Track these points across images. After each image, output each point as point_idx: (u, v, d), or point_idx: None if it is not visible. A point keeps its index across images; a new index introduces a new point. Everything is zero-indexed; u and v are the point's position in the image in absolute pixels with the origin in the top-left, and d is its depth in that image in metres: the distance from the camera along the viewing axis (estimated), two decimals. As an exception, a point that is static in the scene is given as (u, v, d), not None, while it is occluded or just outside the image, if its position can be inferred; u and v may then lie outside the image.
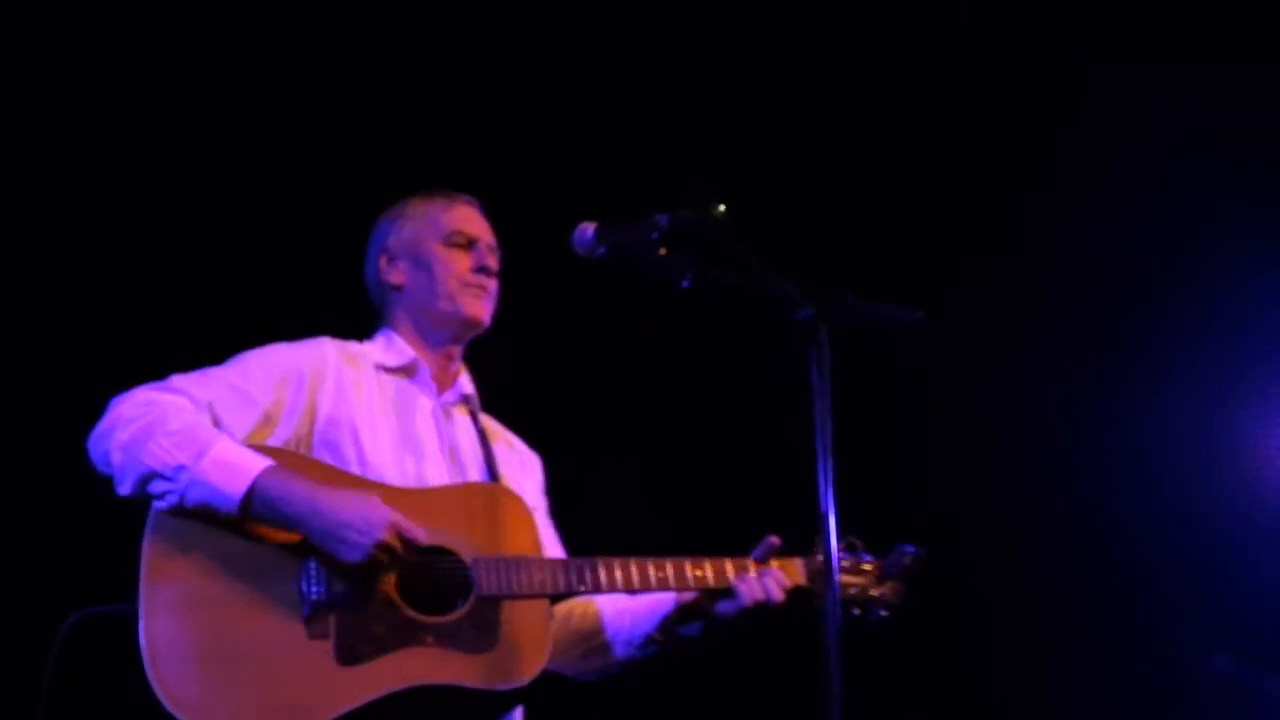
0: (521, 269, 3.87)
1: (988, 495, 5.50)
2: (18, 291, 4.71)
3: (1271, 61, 5.70)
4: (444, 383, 3.71)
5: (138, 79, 4.88)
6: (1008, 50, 5.83)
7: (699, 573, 3.57)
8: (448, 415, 3.68)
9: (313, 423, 3.45)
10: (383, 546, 3.17)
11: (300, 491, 3.18)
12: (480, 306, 3.67)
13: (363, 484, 3.36)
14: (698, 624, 3.66)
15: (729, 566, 3.61)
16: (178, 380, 3.35)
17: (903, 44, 5.87)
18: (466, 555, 3.34)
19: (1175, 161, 5.76)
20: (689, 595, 3.61)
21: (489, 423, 3.79)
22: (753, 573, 3.62)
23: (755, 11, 5.79)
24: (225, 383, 3.39)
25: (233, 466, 3.17)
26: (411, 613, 3.24)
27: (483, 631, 3.29)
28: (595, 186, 3.79)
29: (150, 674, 3.04)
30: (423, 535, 3.23)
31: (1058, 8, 5.76)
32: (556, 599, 3.55)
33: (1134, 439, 5.84)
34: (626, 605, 3.71)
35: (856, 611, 3.78)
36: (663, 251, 3.20)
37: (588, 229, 3.29)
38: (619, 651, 3.73)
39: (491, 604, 3.32)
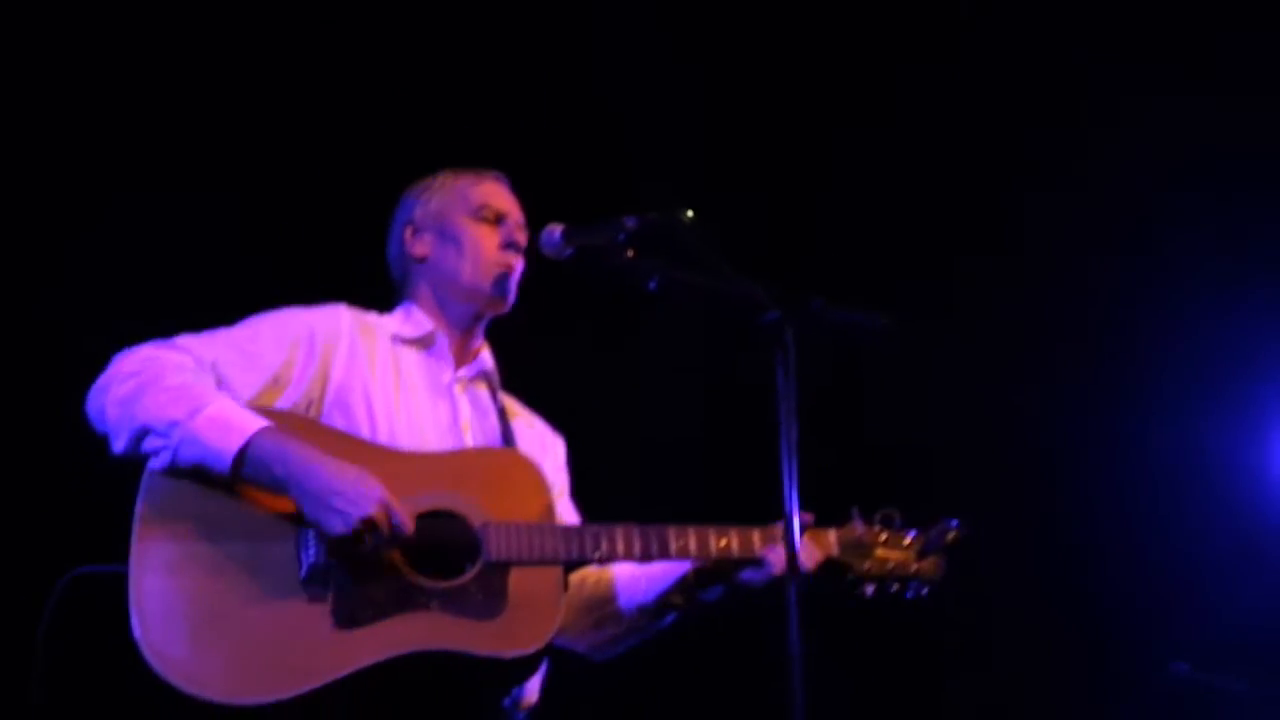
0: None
1: (973, 497, 5.36)
2: (24, 248, 4.72)
3: (1268, 69, 5.64)
4: (463, 357, 3.63)
5: (166, 48, 4.93)
6: (1005, 50, 5.80)
7: (723, 542, 3.45)
8: (465, 389, 3.61)
9: (325, 387, 3.38)
10: (369, 522, 3.05)
11: (295, 454, 3.10)
12: (506, 284, 3.59)
13: (371, 448, 3.29)
14: (717, 589, 3.56)
15: (756, 536, 3.50)
16: (183, 339, 3.29)
17: (900, 43, 5.87)
18: (475, 519, 3.24)
19: (1173, 166, 5.72)
20: (705, 560, 3.50)
21: (509, 401, 3.71)
22: (781, 543, 3.49)
23: (749, 7, 5.78)
24: (233, 343, 3.33)
25: (227, 424, 3.09)
26: (415, 577, 3.15)
27: (490, 597, 3.19)
28: (575, 185, 3.75)
29: (138, 634, 2.98)
30: (410, 527, 3.11)
31: (1057, 7, 5.74)
32: (570, 568, 3.45)
33: (1110, 455, 5.89)
34: (641, 571, 3.61)
35: (895, 587, 3.67)
36: (630, 253, 3.22)
37: (555, 230, 3.33)
38: (633, 618, 3.64)
39: (500, 570, 3.22)
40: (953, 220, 5.89)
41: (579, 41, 5.53)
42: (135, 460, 3.13)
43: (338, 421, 3.35)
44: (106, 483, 3.16)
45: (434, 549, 3.19)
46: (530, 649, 3.19)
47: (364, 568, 3.10)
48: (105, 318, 4.19)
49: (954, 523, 3.68)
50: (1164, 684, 5.45)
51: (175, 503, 3.09)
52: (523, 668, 3.26)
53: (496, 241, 3.60)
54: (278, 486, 3.09)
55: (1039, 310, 5.96)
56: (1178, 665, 5.42)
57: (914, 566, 3.67)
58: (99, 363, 3.20)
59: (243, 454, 3.07)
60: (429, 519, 3.20)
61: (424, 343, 3.59)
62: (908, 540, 3.68)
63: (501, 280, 3.58)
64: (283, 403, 3.31)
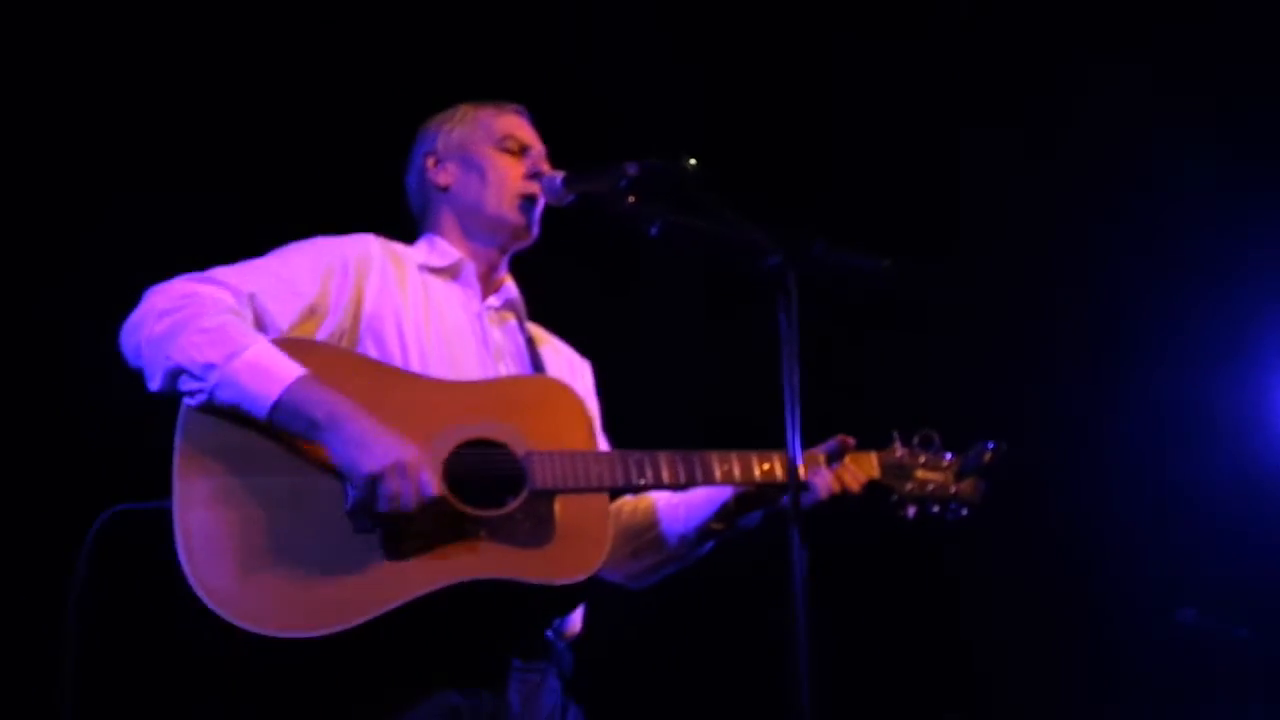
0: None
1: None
2: (56, 193, 4.66)
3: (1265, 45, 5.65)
4: (490, 286, 3.58)
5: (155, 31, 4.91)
6: (1000, 26, 5.79)
7: (765, 466, 3.40)
8: (493, 318, 3.55)
9: (358, 314, 3.31)
10: (400, 469, 2.95)
11: (339, 402, 3.01)
12: (531, 213, 3.54)
13: (409, 378, 3.22)
14: (757, 514, 3.53)
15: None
16: (219, 271, 3.19)
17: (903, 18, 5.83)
18: (518, 448, 3.18)
19: (1176, 120, 5.74)
20: (747, 486, 3.46)
21: (536, 329, 3.66)
22: (824, 466, 3.45)
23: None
24: (270, 273, 3.25)
25: (265, 371, 3.01)
26: (462, 506, 3.08)
27: (538, 525, 3.13)
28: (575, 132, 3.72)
29: (185, 567, 2.90)
30: (436, 488, 3.01)
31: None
32: (614, 495, 3.40)
33: (1115, 409, 5.93)
34: (681, 498, 3.57)
35: (935, 509, 3.64)
36: (631, 199, 3.21)
37: (556, 177, 3.39)
38: (674, 546, 3.59)
39: (546, 498, 3.16)
40: (954, 173, 5.90)
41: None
42: (171, 398, 3.05)
43: (370, 350, 3.28)
44: (142, 419, 3.09)
45: (477, 479, 3.12)
46: (580, 576, 3.12)
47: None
48: (145, 252, 4.12)
49: (991, 444, 3.64)
50: (1170, 630, 5.52)
51: (216, 438, 3.01)
52: (572, 595, 3.21)
53: (520, 171, 3.55)
54: (313, 431, 3.00)
55: (1042, 263, 5.98)
56: (1184, 612, 5.49)
57: (953, 488, 3.64)
58: (135, 299, 3.13)
59: (279, 401, 2.99)
60: (471, 448, 3.13)
61: (451, 272, 3.53)
62: (946, 462, 3.65)
63: (526, 208, 3.53)
64: (321, 332, 3.24)
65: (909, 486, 3.60)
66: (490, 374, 3.42)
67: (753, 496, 3.50)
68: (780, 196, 5.28)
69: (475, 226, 3.57)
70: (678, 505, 3.58)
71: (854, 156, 5.82)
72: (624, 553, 3.58)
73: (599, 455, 3.29)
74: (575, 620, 3.42)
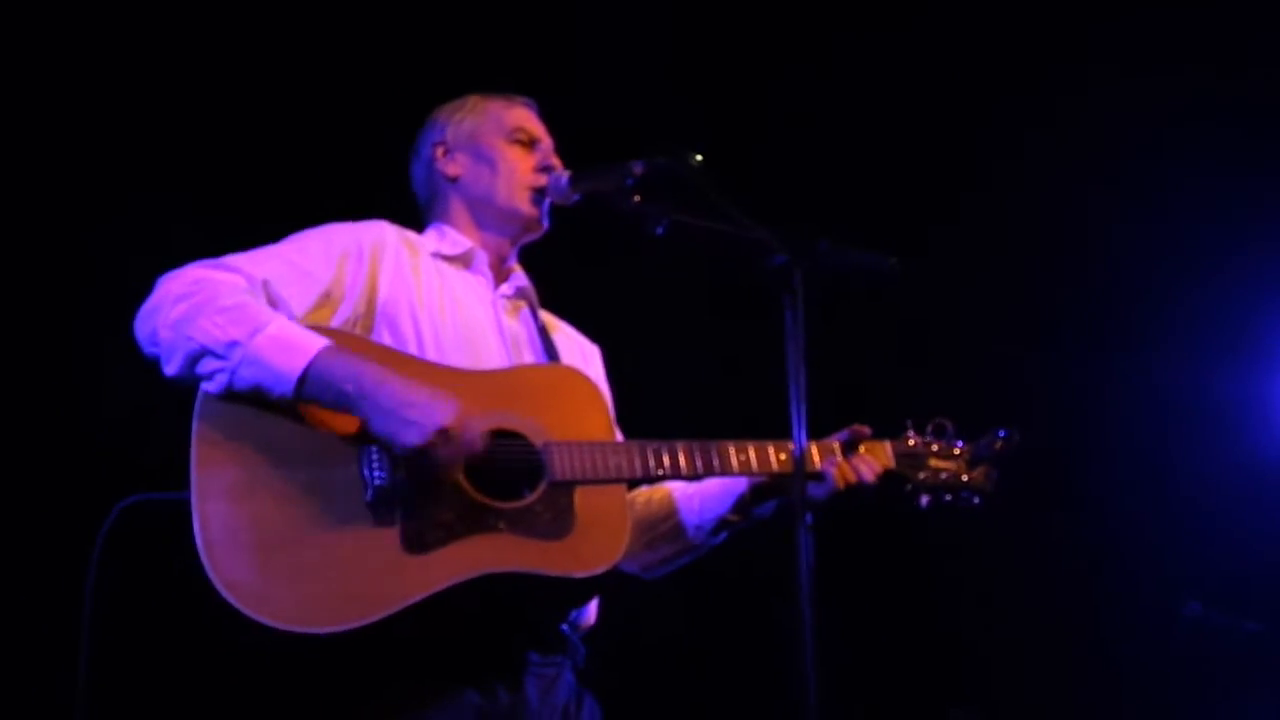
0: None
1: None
2: (67, 181, 4.60)
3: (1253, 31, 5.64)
4: (500, 276, 3.56)
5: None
6: (1003, 16, 5.76)
7: (782, 456, 3.39)
8: (507, 306, 3.53)
9: (373, 301, 3.27)
10: (443, 433, 2.95)
11: (364, 370, 2.98)
12: (542, 204, 3.53)
13: (425, 366, 3.18)
14: (772, 503, 3.52)
15: (815, 449, 3.44)
16: (232, 258, 3.15)
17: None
18: (537, 439, 3.15)
19: (1180, 107, 5.71)
20: (762, 476, 3.46)
21: (547, 316, 3.64)
22: (839, 456, 3.44)
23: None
24: (283, 259, 3.21)
25: (290, 343, 2.97)
26: (481, 498, 3.04)
27: (558, 517, 3.10)
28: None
29: (205, 560, 2.84)
30: (482, 439, 3.02)
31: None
32: (632, 485, 3.38)
33: (1117, 398, 5.92)
34: (695, 489, 3.55)
35: (948, 498, 3.63)
36: (637, 198, 3.21)
37: (562, 176, 3.41)
38: (691, 536, 3.57)
39: (565, 489, 3.13)
40: (958, 163, 5.87)
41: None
42: (187, 384, 3.00)
43: (385, 336, 3.24)
44: (158, 409, 3.05)
45: (496, 470, 3.08)
46: (601, 568, 3.09)
47: (430, 489, 3.00)
48: (154, 244, 4.08)
49: (1003, 432, 3.63)
50: (1177, 624, 5.51)
51: (233, 428, 2.96)
52: (591, 588, 3.18)
53: (531, 164, 3.54)
54: (344, 405, 2.96)
55: (1047, 254, 5.97)
56: (1190, 605, 5.48)
57: (965, 476, 3.63)
58: (145, 289, 3.08)
59: (306, 374, 2.94)
60: (489, 439, 3.10)
61: (464, 260, 3.50)
62: (958, 450, 3.64)
63: (538, 200, 3.51)
64: (336, 319, 3.20)
65: (922, 475, 3.59)
66: (509, 362, 3.39)
67: (768, 487, 3.49)
68: (785, 192, 5.31)
69: (487, 217, 3.55)
70: (693, 496, 3.56)
71: (855, 151, 5.80)
72: (640, 543, 3.55)
73: (617, 446, 3.26)
74: (590, 613, 3.39)
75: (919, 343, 5.88)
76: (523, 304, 3.58)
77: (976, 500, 3.64)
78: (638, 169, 3.22)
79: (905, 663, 5.80)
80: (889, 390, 5.37)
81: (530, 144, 3.56)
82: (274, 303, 3.12)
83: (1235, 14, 5.60)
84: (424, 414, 2.94)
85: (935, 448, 3.63)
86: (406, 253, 3.38)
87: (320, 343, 2.99)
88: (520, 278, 3.59)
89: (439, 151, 3.60)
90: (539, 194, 3.51)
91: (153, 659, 4.12)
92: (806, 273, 2.97)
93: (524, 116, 3.61)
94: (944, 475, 3.61)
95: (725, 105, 5.67)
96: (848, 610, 4.03)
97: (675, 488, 3.60)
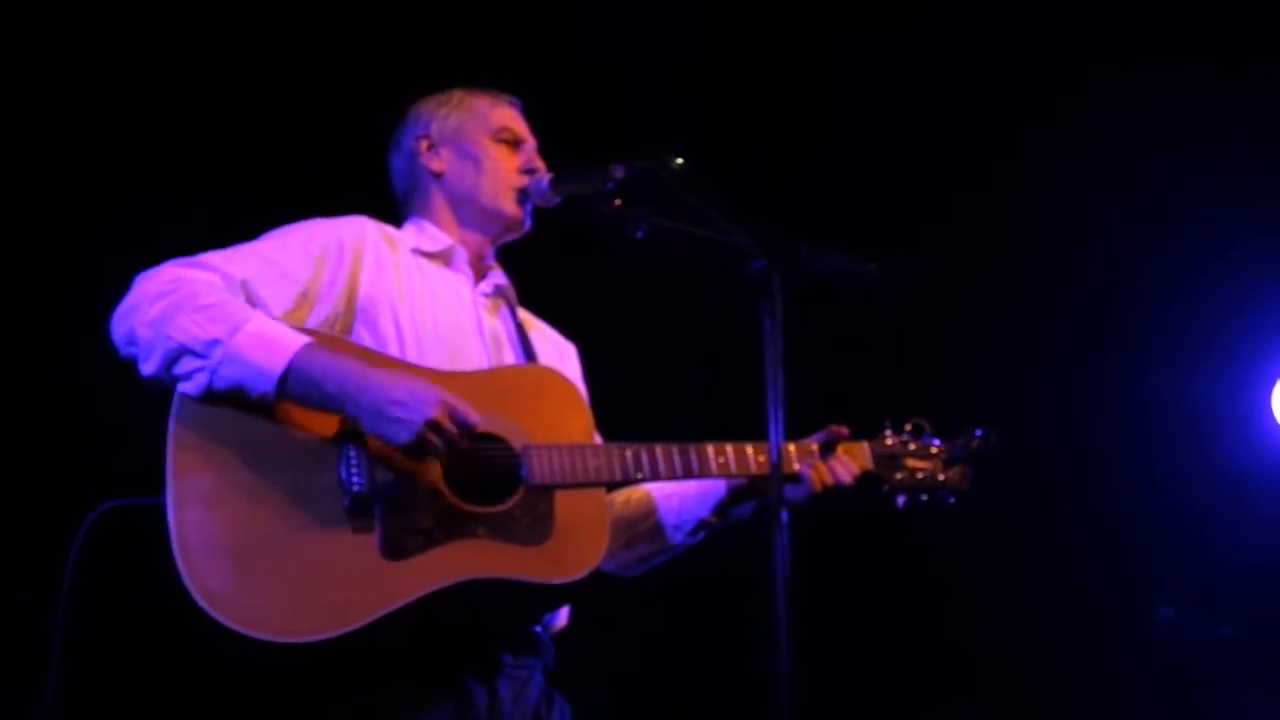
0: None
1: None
2: (46, 179, 4.56)
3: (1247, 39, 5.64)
4: (479, 273, 3.53)
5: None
6: (994, 19, 5.73)
7: (761, 458, 3.38)
8: (486, 304, 3.50)
9: (353, 299, 3.23)
10: (434, 426, 2.93)
11: (347, 367, 2.96)
12: (526, 208, 3.50)
13: (405, 366, 3.14)
14: (750, 505, 3.51)
15: (793, 450, 3.43)
16: (209, 256, 3.11)
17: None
18: (516, 442, 3.13)
19: (1169, 120, 5.70)
20: (741, 479, 3.45)
21: (524, 314, 3.61)
22: (817, 458, 3.44)
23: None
24: (262, 257, 3.17)
25: (271, 341, 2.94)
26: (460, 503, 3.03)
27: (536, 522, 3.08)
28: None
29: (182, 569, 2.82)
30: (477, 418, 3.00)
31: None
32: (612, 487, 3.37)
33: (1093, 401, 5.91)
34: (674, 489, 3.54)
35: (924, 498, 3.64)
36: (617, 202, 3.20)
37: (543, 178, 3.40)
38: (669, 537, 3.56)
39: (545, 493, 3.11)
40: (948, 168, 5.85)
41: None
42: (164, 384, 2.96)
43: (365, 339, 3.21)
44: (134, 412, 3.02)
45: (475, 473, 3.06)
46: (580, 574, 3.08)
47: (409, 494, 2.98)
48: (134, 235, 4.04)
49: (979, 432, 3.64)
50: (1150, 628, 5.54)
51: (210, 431, 2.93)
52: (570, 592, 3.16)
53: (516, 164, 3.51)
54: (328, 403, 2.94)
55: (1035, 260, 5.96)
56: (1164, 610, 5.51)
57: (942, 475, 3.63)
58: (122, 288, 3.04)
59: (288, 372, 2.92)
60: (471, 442, 3.06)
61: (444, 257, 3.47)
62: (935, 449, 3.64)
63: (522, 201, 3.49)
64: (313, 318, 3.16)
65: (899, 476, 3.60)
66: (490, 361, 3.37)
67: (747, 489, 3.48)
68: (771, 193, 5.30)
69: (469, 215, 3.51)
70: (672, 496, 3.55)
71: (840, 152, 5.77)
72: (618, 543, 3.53)
73: (596, 448, 3.24)
74: (562, 614, 3.38)
75: (900, 344, 5.89)
76: (501, 302, 3.55)
77: (952, 500, 3.65)
78: (618, 173, 3.20)
79: (882, 664, 5.80)
80: (870, 391, 5.37)
81: (515, 144, 3.53)
82: (252, 302, 3.09)
83: (1229, 24, 5.59)
84: (410, 410, 2.93)
85: (912, 448, 3.63)
86: (387, 249, 3.34)
87: (301, 340, 2.97)
88: (499, 276, 3.56)
89: (423, 145, 3.56)
90: (523, 194, 3.49)
91: (127, 667, 4.08)
92: (786, 277, 2.96)
93: (509, 116, 3.58)
94: (920, 475, 3.62)
95: (725, 105, 5.65)
96: (824, 610, 4.02)
97: (654, 487, 3.58)
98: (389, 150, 3.65)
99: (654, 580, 3.69)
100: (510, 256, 3.63)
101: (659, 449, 3.29)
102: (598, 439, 3.43)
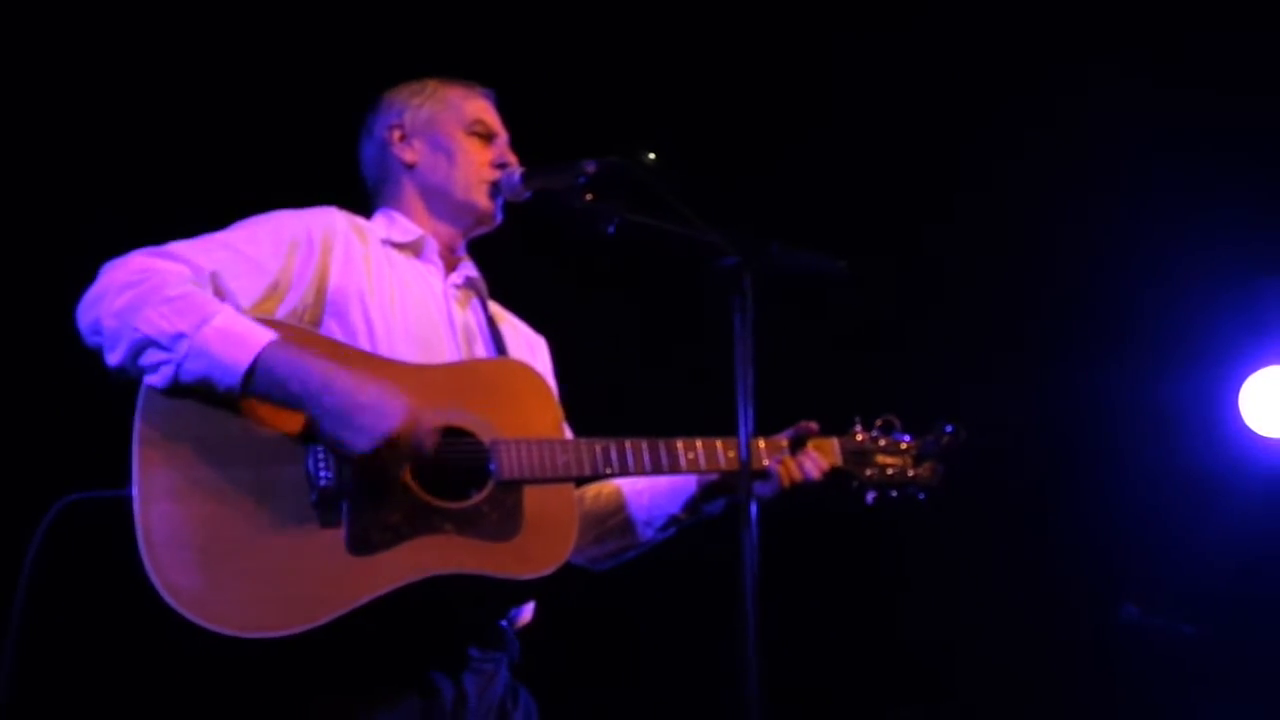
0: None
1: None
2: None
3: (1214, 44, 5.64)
4: (449, 264, 3.51)
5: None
6: (969, 28, 5.73)
7: (731, 454, 3.36)
8: (457, 295, 3.47)
9: (322, 290, 3.20)
10: (392, 440, 2.90)
11: (313, 367, 2.92)
12: (498, 201, 3.49)
13: (374, 361, 3.12)
14: (721, 501, 3.51)
15: (763, 446, 3.42)
16: (177, 246, 3.08)
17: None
18: (485, 436, 3.10)
19: (1140, 131, 5.71)
20: (711, 474, 3.45)
21: (494, 306, 3.59)
22: (786, 454, 3.43)
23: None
24: (231, 248, 3.13)
25: (237, 337, 2.91)
26: (428, 498, 3.00)
27: (504, 517, 3.06)
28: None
29: (148, 565, 2.79)
30: (435, 440, 2.98)
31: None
32: (580, 483, 3.35)
33: (1060, 400, 5.94)
34: (645, 485, 3.53)
35: (894, 493, 3.63)
36: (589, 197, 3.21)
37: (514, 173, 3.39)
38: (639, 533, 3.56)
39: (513, 488, 3.09)
40: (921, 175, 5.87)
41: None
42: (129, 376, 2.93)
43: (335, 331, 3.18)
44: (98, 404, 2.98)
45: (444, 468, 3.04)
46: (548, 570, 3.06)
47: (377, 489, 2.95)
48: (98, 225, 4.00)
49: (949, 428, 3.64)
50: (1114, 626, 5.57)
51: (177, 424, 2.89)
52: (537, 588, 3.13)
53: (488, 158, 3.49)
54: (291, 402, 2.91)
55: (1002, 261, 5.98)
56: (1128, 608, 5.53)
57: (911, 471, 3.63)
58: (88, 278, 3.00)
59: (254, 368, 2.89)
60: (439, 437, 3.05)
61: (414, 248, 3.44)
62: (904, 445, 3.64)
63: (494, 194, 3.47)
64: (282, 309, 3.13)
65: (869, 472, 3.59)
66: (460, 353, 3.35)
67: (718, 485, 3.48)
68: (749, 193, 5.28)
69: (440, 207, 3.49)
70: (643, 491, 3.54)
71: (811, 154, 5.76)
72: (588, 537, 3.52)
73: (565, 444, 3.22)
74: (528, 610, 3.37)
75: (869, 342, 5.90)
76: (472, 294, 3.53)
77: (922, 496, 3.65)
78: (590, 167, 3.20)
79: (850, 660, 5.82)
80: (840, 388, 5.36)
81: (488, 137, 3.51)
82: (221, 294, 3.05)
83: (1201, 29, 5.60)
84: (372, 419, 2.90)
85: (882, 444, 3.62)
86: (356, 240, 3.32)
87: (268, 336, 2.93)
88: (470, 267, 3.53)
89: (395, 135, 3.53)
90: (494, 188, 3.47)
91: (89, 663, 4.05)
92: (757, 274, 2.97)
93: (483, 108, 3.56)
94: (890, 471, 3.61)
95: (724, 105, 5.64)
96: (793, 606, 4.01)
97: (624, 483, 3.57)
98: (360, 137, 3.62)
99: (621, 573, 3.68)
100: (481, 249, 3.61)
101: (628, 444, 3.28)
102: (568, 434, 3.41)
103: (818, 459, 3.47)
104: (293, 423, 2.95)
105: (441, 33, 5.11)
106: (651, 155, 3.12)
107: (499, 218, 3.51)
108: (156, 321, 2.89)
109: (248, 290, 3.09)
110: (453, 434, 3.08)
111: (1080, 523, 5.93)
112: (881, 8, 5.67)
